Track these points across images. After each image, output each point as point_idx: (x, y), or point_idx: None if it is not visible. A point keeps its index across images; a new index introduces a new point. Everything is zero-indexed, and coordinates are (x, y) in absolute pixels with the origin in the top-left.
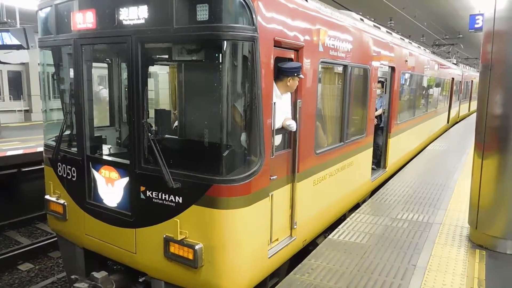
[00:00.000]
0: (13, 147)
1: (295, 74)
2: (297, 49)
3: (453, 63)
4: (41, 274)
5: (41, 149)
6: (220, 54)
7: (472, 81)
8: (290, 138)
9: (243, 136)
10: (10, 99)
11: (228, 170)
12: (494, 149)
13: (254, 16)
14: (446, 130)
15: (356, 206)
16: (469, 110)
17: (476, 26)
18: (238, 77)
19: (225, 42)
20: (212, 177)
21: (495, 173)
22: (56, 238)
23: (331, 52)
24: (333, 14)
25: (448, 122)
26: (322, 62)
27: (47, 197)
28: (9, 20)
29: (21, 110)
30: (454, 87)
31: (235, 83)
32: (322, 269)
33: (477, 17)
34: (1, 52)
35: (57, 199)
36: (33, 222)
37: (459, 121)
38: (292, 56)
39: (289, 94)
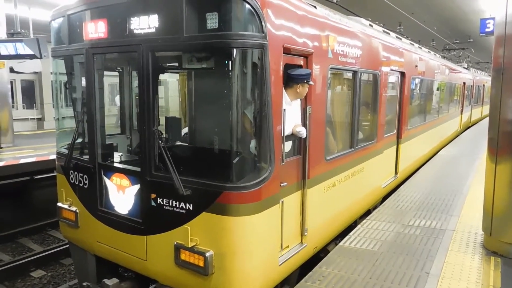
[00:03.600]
0: (26, 155)
1: (305, 81)
2: (307, 56)
3: (464, 68)
4: (53, 281)
5: (53, 156)
6: (230, 62)
7: (483, 85)
8: (300, 144)
9: (253, 143)
10: (23, 107)
11: (239, 177)
12: (508, 154)
13: (263, 24)
14: (458, 135)
15: (367, 213)
16: (481, 115)
17: (487, 30)
18: (247, 84)
19: (234, 49)
20: (222, 184)
21: (509, 178)
22: (68, 245)
23: (340, 58)
24: (341, 20)
25: (460, 127)
26: (331, 68)
27: (59, 204)
28: (22, 31)
29: (34, 119)
30: (466, 92)
31: (245, 90)
32: (334, 277)
33: (488, 21)
34: (15, 62)
35: (69, 207)
36: (45, 229)
37: (471, 126)
38: (302, 62)
39: (298, 101)
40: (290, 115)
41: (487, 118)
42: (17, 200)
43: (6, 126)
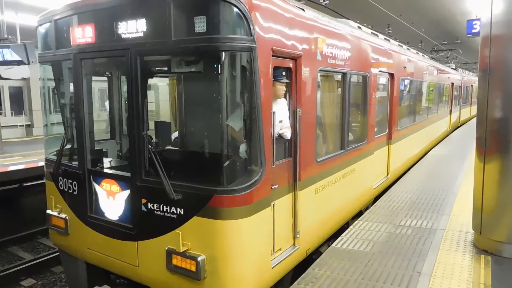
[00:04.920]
0: (15, 162)
1: (277, 79)
2: (295, 58)
3: (452, 68)
4: None
5: (42, 163)
6: (219, 65)
7: (472, 85)
8: (290, 146)
9: (244, 146)
10: (11, 114)
11: (229, 180)
12: (496, 153)
13: (251, 27)
14: (447, 135)
15: (359, 214)
16: (470, 115)
17: (473, 31)
18: (237, 88)
19: (223, 53)
20: (213, 188)
21: (498, 177)
22: (58, 253)
23: (329, 60)
24: (330, 23)
25: (449, 127)
26: (320, 70)
27: (48, 211)
28: (9, 36)
29: (22, 125)
30: (454, 92)
31: (234, 93)
32: (326, 278)
33: (474, 22)
34: (2, 68)
35: (59, 214)
36: (35, 237)
37: (460, 125)
38: (291, 65)
39: (282, 100)
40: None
41: (476, 118)
42: (6, 208)
43: None
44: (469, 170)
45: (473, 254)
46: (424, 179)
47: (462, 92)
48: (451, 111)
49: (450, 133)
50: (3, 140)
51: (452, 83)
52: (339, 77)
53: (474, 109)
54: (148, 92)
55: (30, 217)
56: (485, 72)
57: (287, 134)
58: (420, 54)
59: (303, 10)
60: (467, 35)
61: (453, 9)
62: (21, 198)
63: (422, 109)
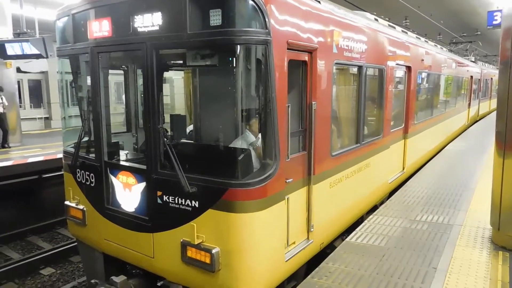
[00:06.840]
0: (34, 154)
1: None
2: (311, 51)
3: (472, 61)
4: (62, 278)
5: (61, 155)
6: (234, 58)
7: (491, 78)
8: (305, 140)
9: (258, 140)
10: (30, 107)
11: (244, 174)
12: None
13: (267, 20)
14: (465, 129)
15: (374, 208)
16: (489, 108)
17: (494, 22)
18: (252, 81)
19: (238, 46)
20: (227, 181)
21: None
22: (76, 243)
23: (345, 53)
24: (346, 15)
25: (467, 121)
26: (336, 63)
27: (66, 202)
28: (28, 30)
29: (41, 118)
30: (473, 85)
31: (249, 86)
32: (340, 273)
33: (495, 14)
34: (22, 62)
35: (77, 205)
36: (54, 227)
37: (479, 119)
38: (306, 58)
39: None
40: None
41: (495, 112)
42: (26, 199)
43: (14, 125)
44: (487, 165)
45: (490, 251)
46: (441, 174)
47: (482, 85)
48: (469, 104)
49: (469, 127)
50: (22, 132)
51: (471, 76)
52: (355, 70)
53: (493, 103)
54: (164, 85)
55: (49, 207)
56: (506, 65)
57: None
58: (438, 46)
59: (318, 2)
60: (488, 27)
61: (473, 0)
62: (40, 189)
63: (439, 103)
